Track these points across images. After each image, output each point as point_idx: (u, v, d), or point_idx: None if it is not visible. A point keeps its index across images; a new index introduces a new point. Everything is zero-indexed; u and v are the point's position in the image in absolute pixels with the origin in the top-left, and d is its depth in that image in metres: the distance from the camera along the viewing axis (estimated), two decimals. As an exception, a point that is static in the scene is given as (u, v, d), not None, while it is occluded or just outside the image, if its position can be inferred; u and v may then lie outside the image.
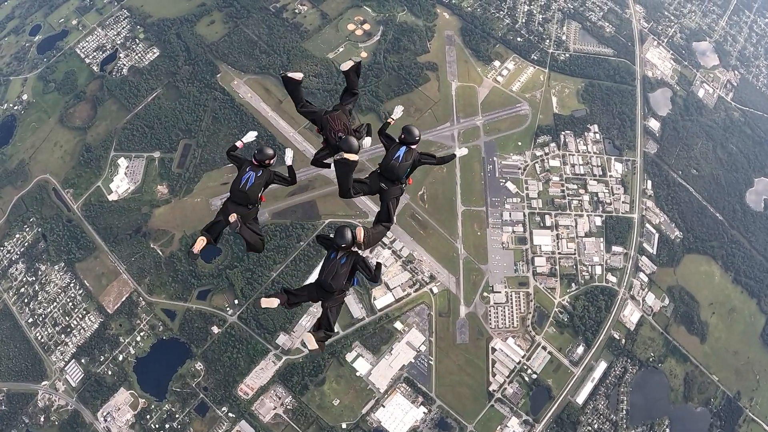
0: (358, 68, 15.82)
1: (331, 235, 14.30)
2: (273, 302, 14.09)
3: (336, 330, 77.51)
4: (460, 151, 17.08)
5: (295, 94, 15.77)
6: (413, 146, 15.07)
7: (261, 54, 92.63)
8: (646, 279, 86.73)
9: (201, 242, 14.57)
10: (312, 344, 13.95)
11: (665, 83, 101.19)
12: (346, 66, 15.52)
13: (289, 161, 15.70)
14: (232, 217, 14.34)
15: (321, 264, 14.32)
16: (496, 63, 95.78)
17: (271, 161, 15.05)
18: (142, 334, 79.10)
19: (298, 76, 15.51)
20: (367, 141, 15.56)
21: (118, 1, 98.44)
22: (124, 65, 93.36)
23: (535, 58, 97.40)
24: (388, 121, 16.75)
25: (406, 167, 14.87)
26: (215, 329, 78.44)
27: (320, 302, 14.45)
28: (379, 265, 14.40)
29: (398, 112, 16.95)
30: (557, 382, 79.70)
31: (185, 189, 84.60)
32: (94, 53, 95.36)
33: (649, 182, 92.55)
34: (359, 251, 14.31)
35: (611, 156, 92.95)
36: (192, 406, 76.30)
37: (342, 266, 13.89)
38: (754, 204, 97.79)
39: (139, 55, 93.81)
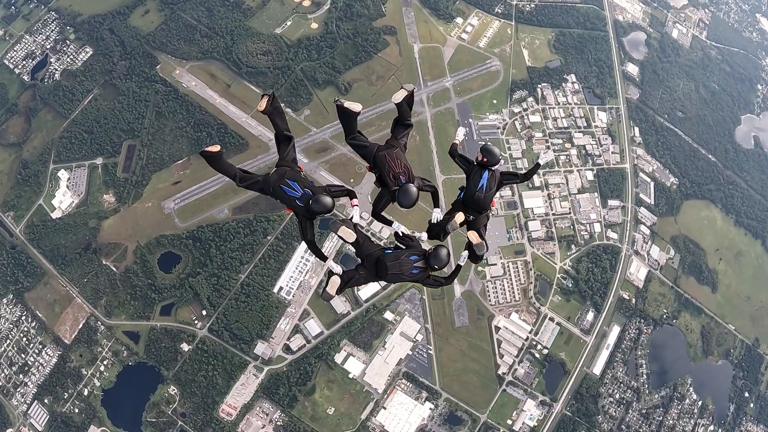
0: (411, 98, 12.65)
1: (420, 237, 12.21)
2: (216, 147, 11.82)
3: (320, 330, 66.02)
4: (545, 157, 14.48)
5: (348, 124, 12.41)
6: (494, 168, 12.42)
7: (202, 38, 79.60)
8: (648, 231, 77.49)
9: (215, 147, 11.83)
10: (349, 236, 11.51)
11: (637, 26, 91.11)
12: (398, 97, 12.39)
13: (350, 238, 11.83)
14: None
15: (391, 252, 11.90)
16: (459, 20, 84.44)
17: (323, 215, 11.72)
18: (105, 362, 67.43)
19: (356, 108, 12.16)
20: (435, 213, 12.43)
21: (44, 3, 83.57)
22: (56, 70, 79.49)
23: (499, 11, 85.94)
24: (455, 142, 13.13)
25: (492, 196, 12.41)
26: (185, 346, 67.06)
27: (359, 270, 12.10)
28: (459, 267, 12.51)
29: (461, 134, 13.71)
30: (570, 354, 70.72)
31: (134, 194, 72.22)
32: (24, 62, 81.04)
33: (637, 129, 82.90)
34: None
35: (593, 105, 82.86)
36: None
37: (412, 274, 11.71)
38: (744, 141, 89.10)
39: (71, 56, 79.92)
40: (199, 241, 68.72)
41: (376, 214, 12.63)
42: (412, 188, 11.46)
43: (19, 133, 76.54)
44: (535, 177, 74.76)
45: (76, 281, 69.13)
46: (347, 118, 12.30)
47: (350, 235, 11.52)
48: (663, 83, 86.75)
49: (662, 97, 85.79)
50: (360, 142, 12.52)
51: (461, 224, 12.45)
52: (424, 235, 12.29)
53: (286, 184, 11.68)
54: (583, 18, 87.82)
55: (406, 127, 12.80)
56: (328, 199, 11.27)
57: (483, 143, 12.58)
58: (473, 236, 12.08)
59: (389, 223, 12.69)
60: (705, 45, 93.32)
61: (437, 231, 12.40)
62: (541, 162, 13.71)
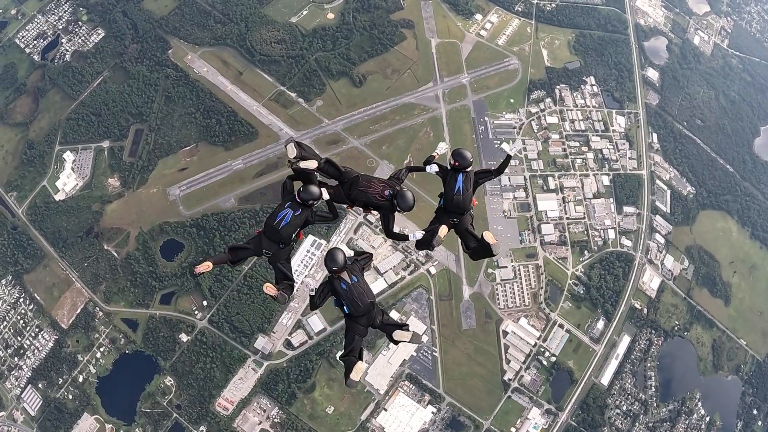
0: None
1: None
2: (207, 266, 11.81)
3: (323, 326, 63.53)
4: (513, 147, 14.76)
5: (309, 181, 12.20)
6: (468, 170, 12.50)
7: (216, 24, 76.93)
8: (662, 240, 74.03)
9: (205, 267, 11.76)
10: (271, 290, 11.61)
11: (659, 31, 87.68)
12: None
13: (326, 196, 12.06)
14: (269, 289, 11.68)
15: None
16: (478, 16, 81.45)
17: (316, 202, 11.83)
18: (102, 349, 64.85)
19: (312, 165, 12.14)
20: (431, 169, 12.83)
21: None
22: (67, 51, 76.99)
23: (520, 9, 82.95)
24: (433, 155, 13.19)
25: (470, 196, 12.50)
26: (184, 337, 64.31)
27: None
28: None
29: (442, 147, 13.67)
30: (579, 363, 67.50)
31: (139, 179, 69.50)
32: (35, 42, 78.55)
33: (655, 135, 79.44)
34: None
35: (612, 109, 79.51)
36: (165, 428, 62.49)
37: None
38: (763, 153, 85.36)
39: (83, 38, 77.45)
40: (204, 229, 66.00)
41: (391, 234, 12.69)
42: (407, 193, 11.79)
43: (26, 112, 74.09)
44: (550, 179, 72.83)
45: (77, 265, 66.58)
46: (306, 176, 12.20)
47: (292, 150, 11.89)
48: (683, 90, 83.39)
49: (682, 104, 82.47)
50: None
51: (445, 236, 12.58)
52: (419, 233, 12.55)
53: (278, 223, 11.56)
54: (604, 20, 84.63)
55: (333, 167, 12.67)
56: (314, 189, 11.52)
57: (456, 148, 12.61)
58: (489, 237, 12.32)
59: (405, 237, 12.88)
60: (726, 53, 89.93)
61: (423, 245, 12.70)
62: (510, 153, 13.65)
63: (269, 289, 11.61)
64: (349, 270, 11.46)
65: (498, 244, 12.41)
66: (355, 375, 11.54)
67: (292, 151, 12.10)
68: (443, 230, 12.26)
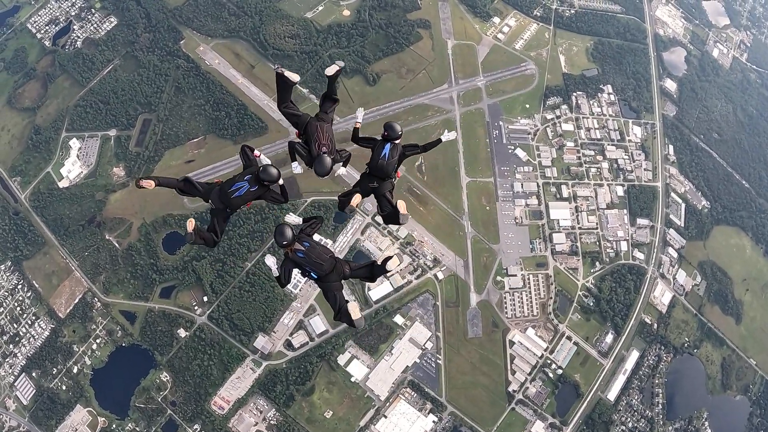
0: (339, 73, 13.61)
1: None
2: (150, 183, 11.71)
3: (325, 328, 61.13)
4: (448, 136, 14.25)
5: (284, 92, 13.35)
6: (397, 141, 13.20)
7: (230, 16, 74.93)
8: (675, 254, 71.44)
9: (148, 184, 11.84)
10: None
11: (678, 42, 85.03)
12: (331, 70, 13.44)
13: (298, 170, 13.43)
14: (190, 224, 12.22)
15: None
16: (496, 19, 79.17)
17: (274, 183, 12.06)
18: (98, 341, 62.99)
19: (294, 78, 13.15)
20: (341, 170, 13.75)
21: (73, -29, 78.94)
22: (79, 37, 75.12)
23: (538, 14, 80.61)
24: (356, 126, 13.93)
25: (394, 164, 13.17)
26: (182, 332, 62.30)
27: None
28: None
29: (360, 115, 14.75)
30: (585, 376, 64.99)
31: (144, 170, 67.52)
32: (47, 27, 76.78)
33: (671, 147, 76.84)
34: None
35: (628, 119, 77.01)
36: (159, 424, 60.23)
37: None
38: None
39: (95, 25, 75.60)
40: (208, 223, 63.23)
41: (291, 154, 12.92)
42: (327, 159, 12.12)
43: (34, 98, 72.28)
44: (563, 188, 70.32)
45: (77, 254, 64.68)
46: (284, 86, 12.96)
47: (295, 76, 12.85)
48: (701, 102, 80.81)
49: (699, 116, 79.87)
50: (293, 111, 13.21)
51: (358, 205, 13.15)
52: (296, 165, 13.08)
53: (232, 192, 11.84)
54: (624, 29, 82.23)
55: (333, 102, 13.46)
56: (273, 170, 11.69)
57: (388, 120, 13.39)
58: (402, 206, 12.84)
59: (294, 159, 13.10)
60: (745, 67, 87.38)
61: (342, 207, 13.21)
62: (443, 139, 13.84)
63: (190, 224, 11.98)
64: (299, 239, 11.73)
65: (407, 216, 12.98)
66: (354, 314, 11.64)
67: (296, 77, 12.96)
68: (356, 198, 12.85)
